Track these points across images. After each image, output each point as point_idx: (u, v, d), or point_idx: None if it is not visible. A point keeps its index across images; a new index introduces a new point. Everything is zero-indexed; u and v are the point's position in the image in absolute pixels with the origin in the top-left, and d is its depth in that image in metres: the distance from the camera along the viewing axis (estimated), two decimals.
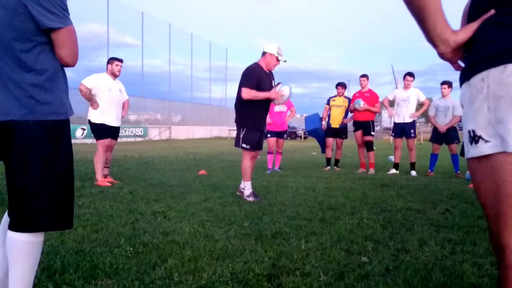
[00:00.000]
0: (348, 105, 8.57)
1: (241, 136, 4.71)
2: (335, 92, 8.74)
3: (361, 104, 8.03)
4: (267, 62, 4.56)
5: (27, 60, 1.67)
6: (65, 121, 1.80)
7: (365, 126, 8.21)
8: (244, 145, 4.66)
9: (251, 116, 4.74)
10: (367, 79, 8.37)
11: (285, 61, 4.70)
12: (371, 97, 8.21)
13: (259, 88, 4.65)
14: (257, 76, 4.65)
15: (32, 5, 1.63)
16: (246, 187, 4.84)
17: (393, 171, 8.00)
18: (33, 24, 1.65)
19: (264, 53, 4.58)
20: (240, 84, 4.71)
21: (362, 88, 8.33)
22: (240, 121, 4.80)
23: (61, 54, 1.74)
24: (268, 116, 8.26)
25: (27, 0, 1.62)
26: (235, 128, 4.86)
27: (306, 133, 10.25)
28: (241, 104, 4.75)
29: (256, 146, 4.79)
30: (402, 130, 7.97)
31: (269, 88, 4.75)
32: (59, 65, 1.78)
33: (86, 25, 29.14)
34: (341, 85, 8.71)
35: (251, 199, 4.74)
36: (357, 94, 8.38)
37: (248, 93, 4.57)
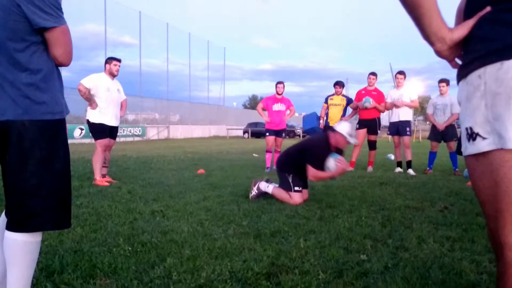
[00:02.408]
0: (347, 104, 8.55)
1: (291, 180, 4.64)
2: (333, 91, 8.74)
3: (370, 102, 7.94)
4: (336, 139, 4.48)
5: (21, 60, 1.67)
6: (61, 121, 1.80)
7: (371, 125, 8.15)
8: (296, 188, 4.61)
9: (303, 170, 4.66)
10: (376, 77, 8.27)
11: (355, 143, 4.65)
12: (378, 96, 8.13)
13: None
14: (325, 156, 4.61)
15: (26, 4, 1.62)
16: (264, 187, 4.81)
17: (399, 169, 7.95)
18: (26, 23, 1.65)
19: (334, 130, 4.52)
20: (308, 159, 4.57)
21: (370, 86, 8.21)
22: (290, 168, 4.73)
23: (55, 54, 1.74)
24: (267, 115, 8.33)
25: (21, 0, 1.62)
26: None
27: (304, 132, 10.25)
28: (298, 157, 4.70)
29: (305, 185, 4.76)
30: (397, 129, 7.97)
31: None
32: (53, 64, 1.77)
33: (84, 25, 29.14)
34: (339, 84, 8.69)
35: (254, 191, 4.77)
36: (363, 92, 8.25)
37: (315, 177, 4.53)
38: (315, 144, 4.73)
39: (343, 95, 8.70)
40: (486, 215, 1.18)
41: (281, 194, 4.71)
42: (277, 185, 4.85)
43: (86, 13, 26.85)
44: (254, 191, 4.84)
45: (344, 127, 4.47)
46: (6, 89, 1.67)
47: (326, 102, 8.74)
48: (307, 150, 4.71)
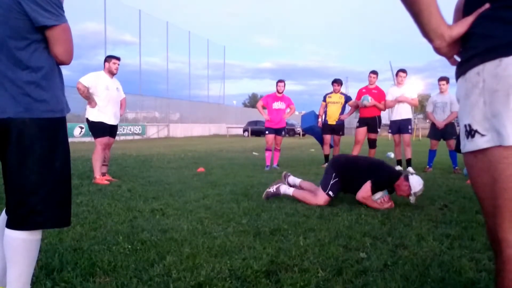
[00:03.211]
0: (345, 102, 8.55)
1: (331, 182, 4.44)
2: (332, 89, 8.74)
3: (369, 99, 7.96)
4: (401, 187, 4.32)
5: (22, 58, 1.67)
6: (61, 119, 1.80)
7: (372, 123, 8.16)
8: (330, 193, 4.42)
9: (352, 182, 4.51)
10: (377, 76, 8.30)
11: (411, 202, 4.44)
12: (378, 94, 8.14)
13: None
14: (384, 187, 4.48)
15: (27, 2, 1.62)
16: (283, 190, 4.66)
17: (399, 167, 7.95)
18: (27, 21, 1.65)
19: (407, 179, 4.33)
20: (374, 177, 4.41)
21: (370, 84, 8.23)
22: (344, 171, 4.54)
23: (55, 52, 1.73)
24: (266, 113, 8.33)
25: None
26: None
27: (303, 130, 10.23)
28: (366, 169, 4.53)
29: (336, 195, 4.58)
30: (399, 127, 7.97)
31: None
32: (54, 62, 1.77)
33: (84, 23, 29.18)
34: (337, 82, 8.69)
35: (272, 189, 4.62)
36: (363, 90, 8.27)
37: (364, 198, 4.35)
38: (388, 173, 4.53)
39: (342, 93, 8.70)
40: (484, 212, 1.19)
41: (304, 195, 4.55)
42: (297, 189, 4.72)
43: (86, 11, 26.88)
44: (272, 189, 4.65)
45: (417, 185, 4.28)
46: (7, 87, 1.66)
47: (324, 100, 8.75)
48: (381, 170, 4.51)
